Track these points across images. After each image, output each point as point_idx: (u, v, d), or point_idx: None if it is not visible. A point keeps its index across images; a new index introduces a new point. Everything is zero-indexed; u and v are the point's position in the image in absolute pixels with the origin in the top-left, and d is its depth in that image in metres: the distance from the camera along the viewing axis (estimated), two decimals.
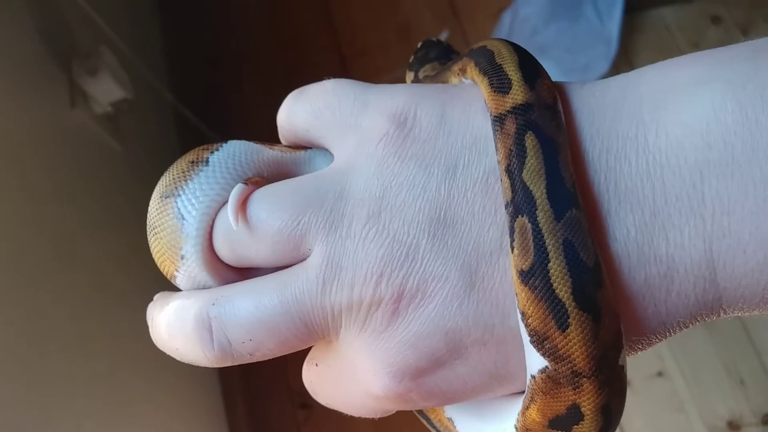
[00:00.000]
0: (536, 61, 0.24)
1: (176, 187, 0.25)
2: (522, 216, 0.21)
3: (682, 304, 0.21)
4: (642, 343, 0.23)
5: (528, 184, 0.21)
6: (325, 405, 0.28)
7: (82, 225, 1.06)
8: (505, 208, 0.22)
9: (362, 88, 0.25)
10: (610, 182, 0.21)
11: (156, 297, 0.27)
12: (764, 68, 0.20)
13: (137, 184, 1.29)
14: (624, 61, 1.53)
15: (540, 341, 0.21)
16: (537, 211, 0.21)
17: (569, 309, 0.20)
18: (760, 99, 0.20)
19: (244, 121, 1.74)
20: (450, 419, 0.27)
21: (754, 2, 1.56)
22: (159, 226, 0.26)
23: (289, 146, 0.28)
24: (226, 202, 0.25)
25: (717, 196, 0.20)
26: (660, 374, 1.35)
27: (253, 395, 1.50)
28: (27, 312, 0.84)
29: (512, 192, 0.22)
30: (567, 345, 0.20)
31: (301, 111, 0.26)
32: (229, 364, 0.25)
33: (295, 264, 0.24)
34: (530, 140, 0.22)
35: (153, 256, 0.26)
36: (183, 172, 0.26)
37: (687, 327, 0.22)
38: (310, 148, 0.27)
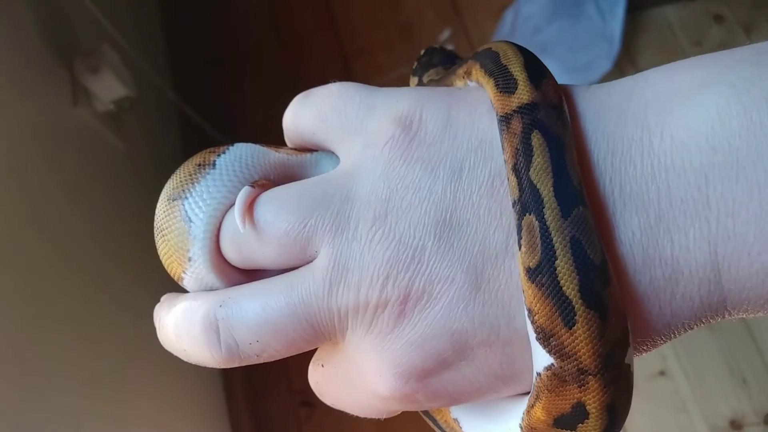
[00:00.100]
0: (541, 62, 0.24)
1: (183, 190, 0.26)
2: (529, 214, 0.21)
3: (687, 306, 0.21)
4: (647, 345, 0.23)
5: (535, 182, 0.21)
6: (331, 405, 0.28)
7: (83, 223, 1.06)
8: (513, 207, 0.22)
9: (368, 91, 0.26)
10: (615, 185, 0.22)
11: (163, 298, 0.27)
12: None
13: (139, 182, 1.30)
14: (626, 59, 1.53)
15: (546, 338, 0.21)
16: (544, 209, 0.21)
17: (576, 306, 0.20)
18: (765, 102, 0.20)
19: (246, 119, 1.75)
20: (456, 420, 0.27)
21: (757, 1, 1.56)
22: (166, 228, 0.26)
23: (295, 149, 0.28)
24: (233, 204, 0.25)
25: (722, 199, 0.20)
26: (662, 373, 1.35)
27: (255, 393, 1.50)
28: (29, 310, 0.85)
29: (519, 190, 0.22)
30: (573, 342, 0.21)
31: (307, 114, 0.27)
32: (236, 365, 0.25)
33: (301, 266, 0.24)
34: (536, 139, 0.22)
35: (160, 257, 0.26)
36: (190, 175, 0.26)
37: (692, 328, 0.23)
38: (316, 150, 0.27)
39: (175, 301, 0.26)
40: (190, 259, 0.25)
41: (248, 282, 0.25)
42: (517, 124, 0.22)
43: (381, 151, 0.24)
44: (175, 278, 0.27)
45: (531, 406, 0.23)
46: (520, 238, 0.21)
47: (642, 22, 1.58)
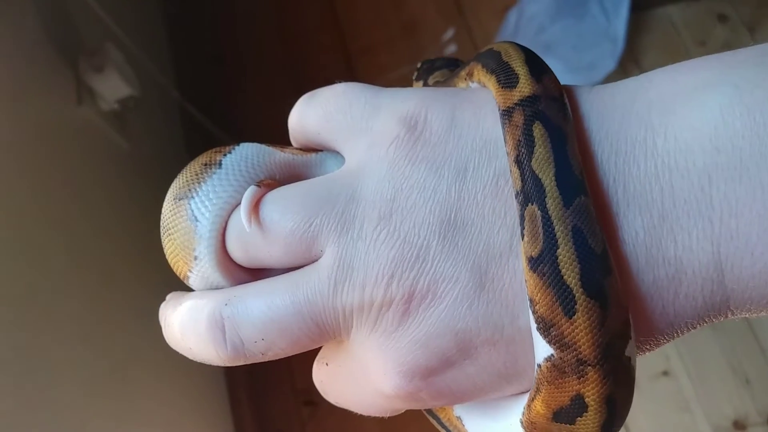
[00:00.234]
0: (542, 59, 0.25)
1: (190, 189, 0.26)
2: (532, 204, 0.21)
3: (690, 306, 0.22)
4: (650, 344, 0.23)
5: (537, 172, 0.22)
6: (335, 404, 0.28)
7: (88, 221, 1.07)
8: (516, 198, 0.22)
9: (373, 91, 0.26)
10: (619, 185, 0.22)
11: (168, 297, 0.28)
12: None
13: (143, 181, 1.30)
14: (630, 59, 1.53)
15: (546, 328, 0.21)
16: (546, 199, 0.21)
17: (577, 295, 0.20)
18: None
19: (249, 118, 1.75)
20: (459, 417, 0.28)
21: (761, 1, 1.55)
22: (173, 227, 0.26)
23: (301, 149, 0.28)
24: (239, 204, 0.25)
25: (725, 199, 0.20)
26: (665, 373, 1.35)
27: (258, 392, 1.50)
28: (33, 309, 0.85)
29: (522, 181, 0.22)
30: (573, 332, 0.21)
31: (312, 114, 0.27)
32: (241, 363, 0.25)
33: (306, 265, 0.24)
34: (538, 130, 0.22)
35: (166, 256, 0.27)
36: (196, 175, 0.26)
37: (694, 328, 0.23)
38: (321, 150, 0.28)
39: (181, 300, 0.26)
40: (196, 258, 0.25)
41: (254, 281, 0.26)
42: (518, 117, 0.23)
43: (386, 150, 0.24)
44: (181, 277, 0.27)
45: (531, 400, 0.23)
46: (523, 229, 0.22)
47: (646, 22, 1.58)
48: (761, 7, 1.55)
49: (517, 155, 0.22)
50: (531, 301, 0.21)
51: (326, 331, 0.24)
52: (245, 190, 0.25)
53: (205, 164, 0.26)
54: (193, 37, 1.88)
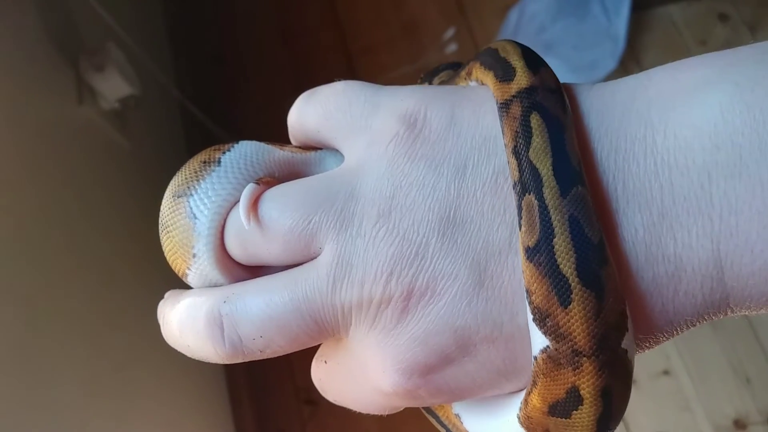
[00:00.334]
0: (539, 55, 0.25)
1: (188, 187, 0.26)
2: (529, 194, 0.21)
3: (690, 303, 0.22)
4: (649, 342, 0.23)
5: (534, 162, 0.22)
6: (334, 402, 0.28)
7: (88, 220, 1.07)
8: (513, 188, 0.22)
9: (373, 89, 0.26)
10: (619, 182, 0.22)
11: (167, 295, 0.28)
12: None
13: (144, 180, 1.30)
14: (631, 58, 1.53)
15: (542, 318, 0.21)
16: (543, 188, 0.21)
17: (572, 284, 0.20)
18: None
19: (250, 117, 1.75)
20: (457, 415, 0.28)
21: (762, 0, 1.55)
22: (171, 224, 0.26)
23: (300, 147, 0.28)
24: (238, 201, 0.25)
25: (725, 197, 0.20)
26: (666, 372, 1.35)
27: (259, 391, 1.50)
28: (33, 308, 0.85)
29: (519, 171, 0.22)
30: (568, 322, 0.20)
31: (311, 112, 0.27)
32: (239, 360, 0.25)
33: (305, 262, 0.24)
34: (535, 120, 0.22)
35: (165, 254, 0.27)
36: (195, 172, 0.26)
37: (694, 326, 0.23)
38: (321, 149, 0.28)
39: (179, 298, 0.26)
40: (194, 256, 0.25)
41: (252, 278, 0.26)
42: (516, 108, 0.23)
43: (385, 148, 0.24)
44: (180, 274, 0.27)
45: (528, 394, 0.23)
46: (520, 219, 0.22)
47: (647, 21, 1.58)
48: (762, 6, 1.55)
49: (515, 146, 0.22)
50: (528, 291, 0.21)
51: (325, 328, 0.24)
52: (244, 187, 0.25)
53: (204, 162, 0.26)
54: (194, 36, 1.88)
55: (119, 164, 1.27)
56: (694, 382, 1.33)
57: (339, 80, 0.27)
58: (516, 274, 0.22)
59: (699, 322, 0.22)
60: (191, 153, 0.27)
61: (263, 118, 1.50)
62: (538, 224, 0.21)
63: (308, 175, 0.26)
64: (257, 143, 0.27)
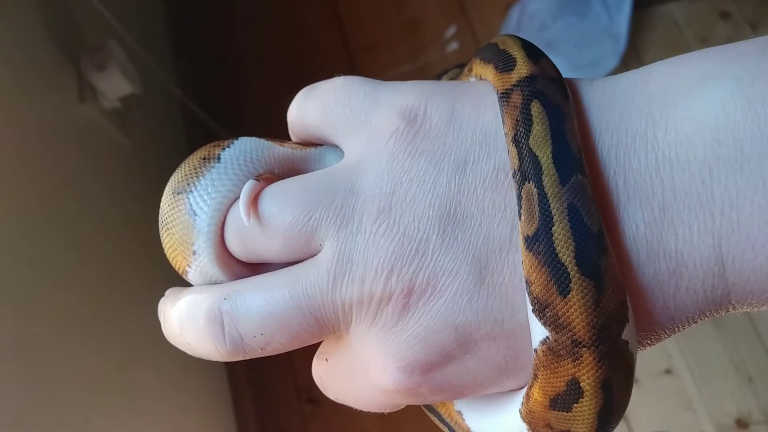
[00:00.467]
0: (539, 48, 0.25)
1: (188, 184, 0.26)
2: (529, 182, 0.21)
3: (691, 300, 0.21)
4: (650, 338, 0.23)
5: (534, 149, 0.22)
6: (335, 400, 0.28)
7: (90, 219, 1.07)
8: (513, 177, 0.22)
9: (372, 85, 0.26)
10: (620, 177, 0.22)
11: (167, 292, 0.27)
12: None
13: (145, 179, 1.30)
14: (632, 56, 1.53)
15: (542, 309, 0.21)
16: (543, 176, 0.21)
17: (571, 273, 0.20)
18: None
19: (251, 116, 1.75)
20: (459, 412, 0.27)
21: None
22: (171, 221, 0.26)
23: (300, 143, 0.28)
24: (238, 198, 0.25)
25: (726, 192, 0.20)
26: (668, 371, 1.35)
27: (261, 390, 1.50)
28: (35, 306, 0.85)
29: (519, 160, 0.22)
30: (567, 311, 0.20)
31: (311, 108, 0.27)
32: (240, 358, 0.25)
33: (306, 259, 0.24)
34: (536, 108, 0.22)
35: (165, 251, 0.27)
36: (195, 169, 0.26)
37: (696, 322, 0.22)
38: (321, 145, 0.28)
39: (180, 295, 0.26)
40: (194, 253, 0.25)
41: (252, 276, 0.26)
42: (516, 97, 0.23)
43: (385, 144, 0.24)
44: (180, 272, 0.27)
45: (529, 388, 0.23)
46: (520, 208, 0.22)
47: (648, 19, 1.57)
48: (763, 4, 1.55)
49: (515, 134, 0.22)
50: (527, 282, 0.21)
51: (325, 325, 0.24)
52: (244, 184, 0.25)
53: (204, 158, 0.26)
54: (196, 35, 1.88)
55: (120, 163, 1.27)
56: (696, 381, 1.33)
57: (339, 76, 0.27)
58: (517, 270, 0.22)
59: (701, 318, 0.22)
60: (192, 152, 0.27)
61: (264, 117, 1.51)
62: (537, 213, 0.21)
63: (308, 172, 0.26)
64: (257, 139, 0.27)
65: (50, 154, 1.00)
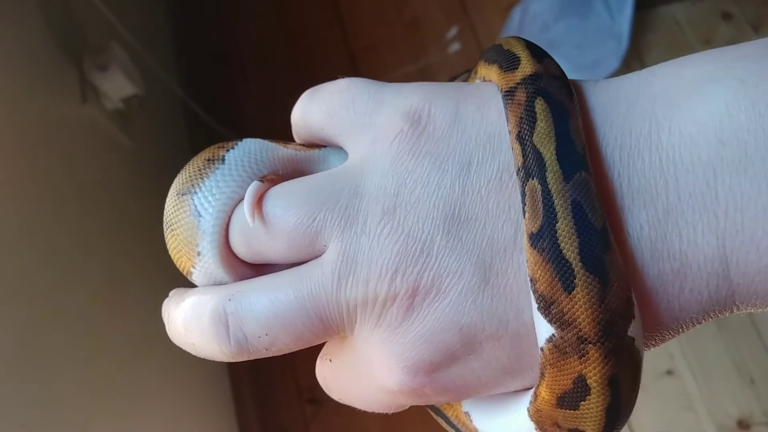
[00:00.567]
0: (543, 49, 0.25)
1: (193, 185, 0.26)
2: (532, 179, 0.21)
3: (695, 300, 0.21)
4: (655, 339, 0.23)
5: (538, 146, 0.22)
6: (339, 400, 0.28)
7: (92, 220, 1.07)
8: (517, 174, 0.22)
9: (376, 86, 0.26)
10: (623, 179, 0.22)
11: (171, 293, 0.27)
12: None
13: (147, 180, 1.30)
14: (634, 57, 1.53)
15: (547, 306, 0.21)
16: (546, 173, 0.21)
17: (576, 270, 0.20)
18: None
19: (253, 116, 1.75)
20: (467, 413, 0.27)
21: None
22: (176, 222, 0.26)
23: (304, 145, 0.28)
24: (242, 199, 0.25)
25: (730, 193, 0.20)
26: (669, 372, 1.34)
27: (262, 390, 1.50)
28: (37, 307, 0.85)
29: (523, 157, 0.22)
30: (572, 308, 0.20)
31: (315, 109, 0.27)
32: (245, 358, 0.25)
33: (310, 260, 0.24)
34: (540, 105, 0.22)
35: (169, 252, 0.27)
36: (199, 170, 0.26)
37: (700, 323, 0.23)
38: (325, 146, 0.28)
39: (184, 296, 0.26)
40: (199, 254, 0.25)
41: (257, 276, 0.26)
42: (521, 95, 0.23)
43: (390, 145, 0.24)
44: (184, 273, 0.27)
45: (536, 387, 0.23)
46: (524, 206, 0.22)
47: (650, 20, 1.57)
48: (765, 5, 1.55)
49: (519, 132, 0.22)
50: (532, 280, 0.21)
51: (330, 326, 0.24)
52: (248, 185, 0.25)
53: (208, 160, 0.26)
54: (197, 36, 1.88)
55: (122, 164, 1.27)
56: (698, 382, 1.33)
57: (343, 77, 0.27)
58: (521, 271, 0.22)
59: (704, 319, 0.22)
60: (194, 152, 0.27)
61: (266, 117, 1.51)
62: (541, 209, 0.21)
63: (312, 173, 0.26)
64: (261, 141, 0.27)
65: (52, 154, 1.00)
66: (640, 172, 0.21)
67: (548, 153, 0.21)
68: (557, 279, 0.20)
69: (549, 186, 0.21)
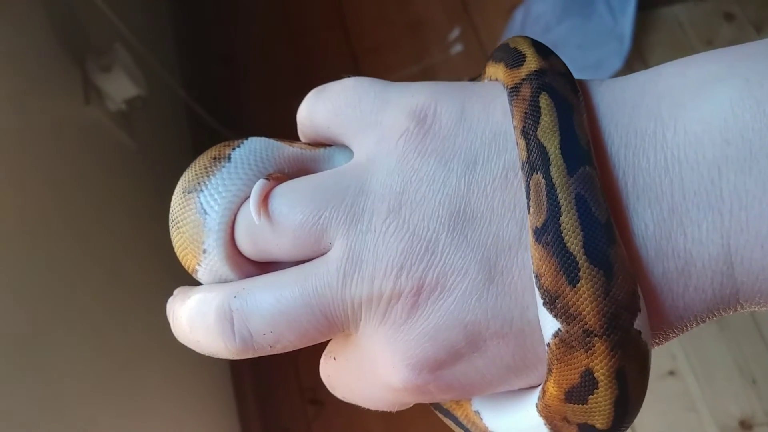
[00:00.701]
0: (549, 48, 0.25)
1: (199, 183, 0.26)
2: (536, 173, 0.21)
3: (700, 299, 0.21)
4: (659, 338, 0.23)
5: (542, 141, 0.22)
6: (342, 399, 0.28)
7: (96, 220, 1.07)
8: (521, 169, 0.22)
9: (382, 85, 0.26)
10: (629, 177, 0.22)
11: (176, 291, 0.28)
12: None
13: (151, 180, 1.30)
14: (637, 58, 1.53)
15: (552, 301, 0.21)
16: (550, 167, 0.21)
17: (580, 263, 0.20)
18: None
19: (255, 118, 1.75)
20: (477, 412, 0.27)
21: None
22: (182, 220, 0.26)
23: (309, 143, 0.28)
24: (248, 197, 0.25)
25: (735, 192, 0.20)
26: (672, 373, 1.34)
27: (264, 390, 1.51)
28: (41, 306, 0.85)
29: (527, 151, 0.22)
30: (577, 301, 0.20)
31: (321, 108, 0.27)
32: (249, 355, 0.25)
33: (315, 258, 0.24)
34: (544, 100, 0.22)
35: (175, 250, 0.27)
36: (205, 168, 0.26)
37: (704, 321, 0.23)
38: (330, 145, 0.28)
39: (189, 294, 0.26)
40: (204, 251, 0.26)
41: (262, 274, 0.26)
42: (526, 90, 0.23)
43: (395, 144, 0.24)
44: (190, 270, 0.27)
45: (544, 383, 0.23)
46: (528, 201, 0.22)
47: (653, 21, 1.57)
48: (767, 6, 1.55)
49: (524, 126, 0.22)
50: (537, 276, 0.21)
51: (335, 323, 0.24)
52: (254, 183, 0.25)
53: (215, 158, 0.26)
54: (200, 37, 1.89)
55: (126, 165, 1.27)
56: (700, 382, 1.33)
57: (348, 76, 0.27)
58: (526, 268, 0.22)
59: (708, 317, 0.22)
60: (197, 153, 0.27)
61: (269, 118, 1.51)
62: (545, 203, 0.21)
63: (318, 172, 0.26)
64: (267, 140, 0.27)
65: (56, 155, 1.01)
66: (645, 170, 0.21)
67: (552, 147, 0.21)
68: (562, 273, 0.20)
69: (553, 180, 0.21)
